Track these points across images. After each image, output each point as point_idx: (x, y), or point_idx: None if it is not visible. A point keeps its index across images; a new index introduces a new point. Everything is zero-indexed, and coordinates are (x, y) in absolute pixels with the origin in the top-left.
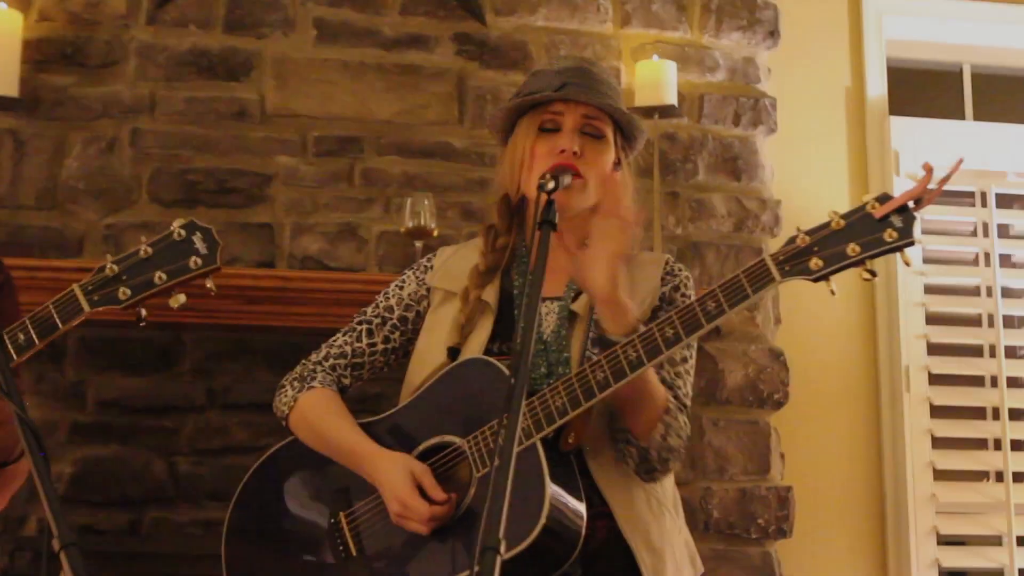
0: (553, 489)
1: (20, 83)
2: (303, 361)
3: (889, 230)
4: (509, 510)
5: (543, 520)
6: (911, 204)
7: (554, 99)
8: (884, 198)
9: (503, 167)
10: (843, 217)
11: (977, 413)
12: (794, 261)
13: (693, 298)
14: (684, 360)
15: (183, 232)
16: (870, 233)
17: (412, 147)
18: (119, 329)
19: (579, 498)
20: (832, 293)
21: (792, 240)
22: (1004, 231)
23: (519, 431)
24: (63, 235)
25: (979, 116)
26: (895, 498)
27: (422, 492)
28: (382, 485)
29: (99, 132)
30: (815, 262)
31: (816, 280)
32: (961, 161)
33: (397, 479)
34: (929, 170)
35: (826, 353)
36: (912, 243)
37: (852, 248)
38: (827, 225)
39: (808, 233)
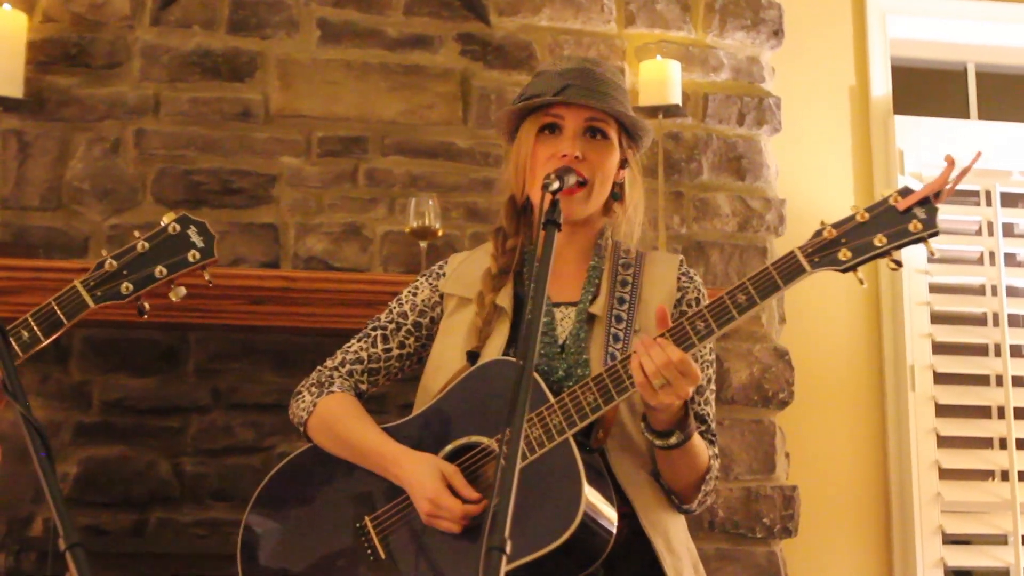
0: (588, 488)
1: (24, 84)
2: (319, 368)
3: (914, 221)
4: (543, 508)
5: (579, 518)
6: (932, 196)
7: (554, 103)
8: (906, 191)
9: (508, 168)
10: (867, 210)
11: (982, 412)
12: (823, 252)
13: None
14: (709, 380)
15: (178, 226)
16: (895, 225)
17: (416, 147)
18: (124, 330)
19: (610, 497)
20: (861, 283)
21: (819, 233)
22: (1009, 230)
23: (523, 430)
24: (68, 236)
25: (984, 115)
26: (900, 497)
27: (453, 492)
28: (411, 486)
29: (103, 133)
30: (844, 253)
31: (845, 271)
32: (980, 154)
33: (426, 479)
34: (951, 162)
35: (831, 352)
36: (936, 233)
37: (879, 239)
38: (852, 218)
39: (835, 226)
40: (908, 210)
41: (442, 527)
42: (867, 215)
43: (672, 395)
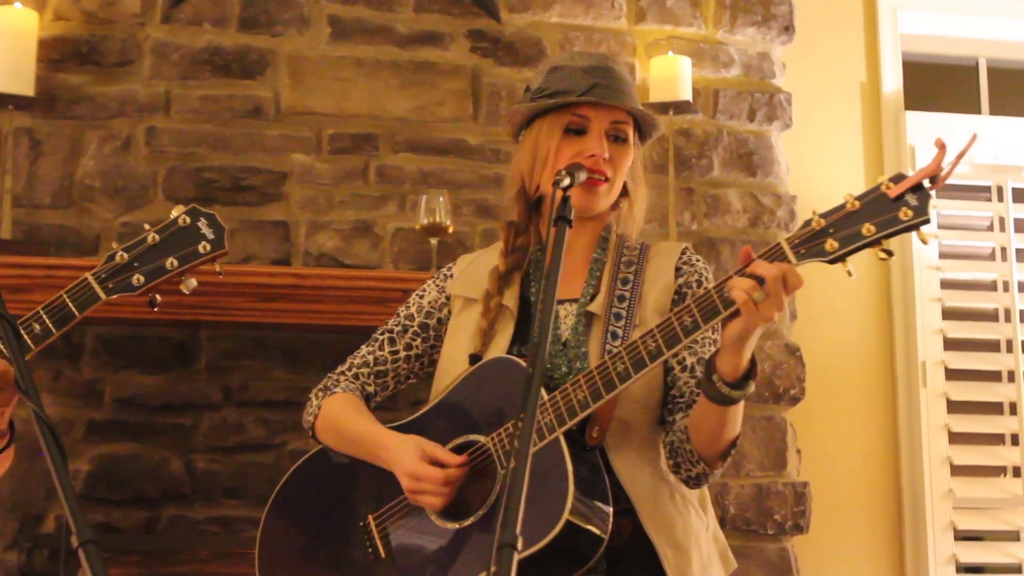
0: (576, 486)
1: (36, 82)
2: (328, 374)
3: (904, 208)
4: (531, 506)
5: (565, 516)
6: (927, 183)
7: (583, 103)
8: (899, 178)
9: (519, 162)
10: (858, 198)
11: (994, 408)
12: (809, 244)
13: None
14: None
15: (188, 219)
16: (885, 212)
17: (427, 144)
18: (135, 327)
19: (605, 495)
20: (849, 275)
21: (807, 223)
22: (1021, 226)
23: (533, 428)
24: (79, 234)
25: (995, 110)
26: (912, 493)
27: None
28: (394, 466)
29: (114, 131)
30: (830, 244)
31: (832, 262)
32: (975, 136)
33: (407, 456)
34: (942, 146)
35: (842, 348)
36: (927, 221)
37: (867, 228)
38: (842, 207)
39: (823, 216)
40: (900, 197)
41: (427, 503)
42: (857, 203)
43: (772, 308)
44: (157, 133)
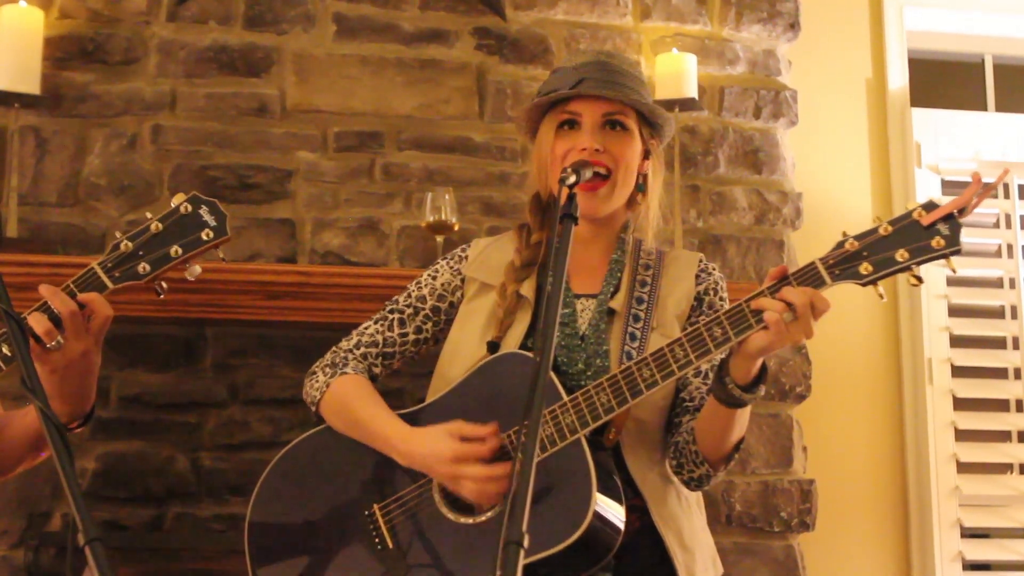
0: (598, 492)
1: (41, 80)
2: (333, 349)
3: (937, 238)
4: (553, 507)
5: (587, 521)
6: (955, 212)
7: (570, 96)
8: (930, 206)
9: (531, 168)
10: (890, 223)
11: (1000, 405)
12: (844, 265)
13: (726, 300)
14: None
15: (189, 207)
16: (918, 240)
17: (432, 142)
18: (141, 325)
19: (618, 494)
20: (881, 297)
21: (841, 244)
22: None
23: (539, 428)
24: (85, 231)
25: (1001, 107)
26: (918, 491)
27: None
28: (425, 458)
29: (120, 129)
30: (865, 267)
31: (865, 284)
32: (1007, 171)
33: (440, 444)
34: (978, 180)
35: (848, 346)
36: (959, 251)
37: (901, 254)
38: (875, 231)
39: (857, 238)
40: (932, 225)
41: (470, 478)
42: (890, 228)
43: (801, 332)
44: (163, 131)
